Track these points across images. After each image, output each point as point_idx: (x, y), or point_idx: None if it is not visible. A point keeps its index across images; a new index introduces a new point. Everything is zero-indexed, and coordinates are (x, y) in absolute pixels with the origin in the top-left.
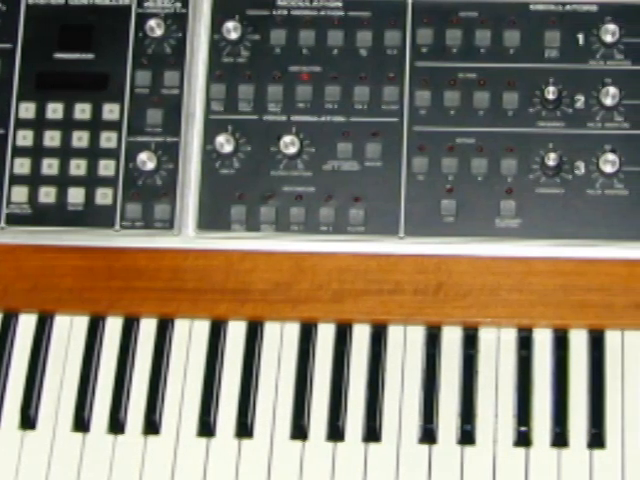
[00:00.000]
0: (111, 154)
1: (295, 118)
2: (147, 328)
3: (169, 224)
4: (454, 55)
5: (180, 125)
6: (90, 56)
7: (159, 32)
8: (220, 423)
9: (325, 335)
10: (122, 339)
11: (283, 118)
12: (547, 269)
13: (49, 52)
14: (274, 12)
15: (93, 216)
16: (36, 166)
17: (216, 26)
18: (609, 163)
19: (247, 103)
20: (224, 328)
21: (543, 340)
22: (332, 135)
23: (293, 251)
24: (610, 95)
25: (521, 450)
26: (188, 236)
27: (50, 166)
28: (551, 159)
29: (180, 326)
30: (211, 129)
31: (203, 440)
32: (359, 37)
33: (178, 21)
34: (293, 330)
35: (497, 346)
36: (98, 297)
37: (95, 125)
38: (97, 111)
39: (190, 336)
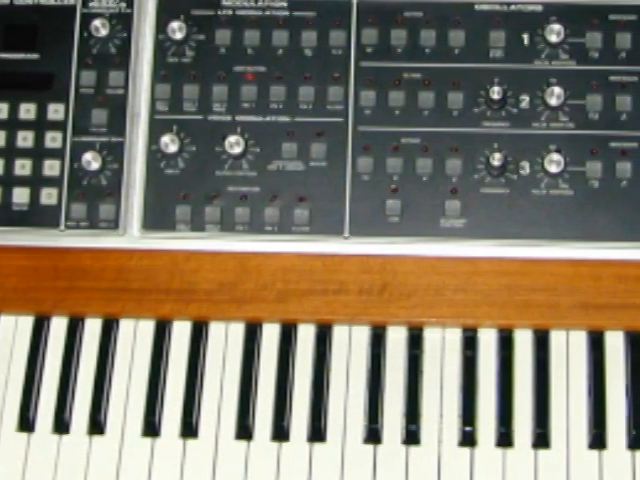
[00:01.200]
0: (56, 154)
1: (240, 118)
2: (92, 328)
3: (114, 224)
4: (399, 55)
5: (125, 125)
6: (35, 56)
7: (104, 32)
8: (165, 423)
9: (270, 335)
10: (67, 339)
11: (228, 118)
12: (492, 269)
13: None
14: (219, 12)
15: (38, 216)
16: None
17: (161, 26)
18: (554, 163)
19: (192, 103)
20: (169, 328)
21: (488, 340)
22: (277, 135)
23: (238, 251)
24: (555, 95)
25: (466, 450)
26: (133, 236)
27: None
28: (496, 159)
29: (125, 326)
30: (156, 129)
31: (148, 440)
32: (304, 37)
33: (123, 21)
34: (238, 330)
35: (442, 346)
36: (43, 297)
37: (40, 125)
38: (42, 111)
39: (135, 336)
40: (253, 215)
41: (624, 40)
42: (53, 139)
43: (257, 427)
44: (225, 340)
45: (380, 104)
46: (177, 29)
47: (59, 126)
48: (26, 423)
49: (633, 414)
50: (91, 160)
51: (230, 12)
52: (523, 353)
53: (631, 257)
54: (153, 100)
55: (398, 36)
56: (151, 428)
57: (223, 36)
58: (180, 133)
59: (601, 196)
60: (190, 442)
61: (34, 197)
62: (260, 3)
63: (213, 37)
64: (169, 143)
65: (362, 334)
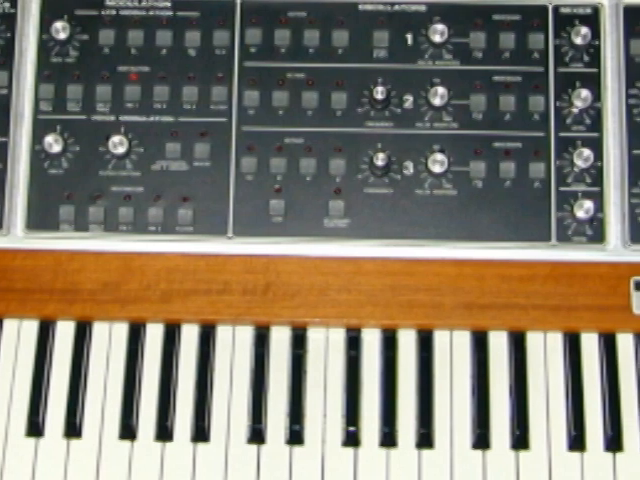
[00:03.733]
0: None
1: (124, 118)
2: None
3: None
4: (283, 55)
5: (9, 125)
6: None
7: None
8: (49, 423)
9: (154, 335)
10: None
11: (112, 118)
12: (376, 269)
13: None
14: (102, 12)
15: None
16: None
17: (45, 26)
18: (437, 163)
19: (76, 103)
20: (53, 328)
21: (372, 340)
22: (161, 135)
23: (122, 251)
24: (439, 95)
25: (350, 450)
26: (16, 236)
27: None
28: (379, 159)
29: (9, 326)
30: (39, 129)
31: (32, 440)
32: (188, 37)
33: (7, 21)
34: (122, 330)
35: (325, 346)
36: None
37: None
38: None
39: (19, 336)
40: (137, 215)
41: (508, 40)
42: None
43: (141, 427)
44: (109, 340)
45: (264, 104)
46: (61, 29)
47: None
48: None
49: (517, 414)
50: None
51: (114, 12)
52: (407, 353)
53: (514, 257)
54: (37, 100)
55: (282, 36)
56: (35, 428)
57: (107, 36)
58: (64, 133)
59: (485, 196)
60: (74, 442)
61: None
62: (144, 3)
63: (97, 37)
64: (53, 143)
65: (246, 334)
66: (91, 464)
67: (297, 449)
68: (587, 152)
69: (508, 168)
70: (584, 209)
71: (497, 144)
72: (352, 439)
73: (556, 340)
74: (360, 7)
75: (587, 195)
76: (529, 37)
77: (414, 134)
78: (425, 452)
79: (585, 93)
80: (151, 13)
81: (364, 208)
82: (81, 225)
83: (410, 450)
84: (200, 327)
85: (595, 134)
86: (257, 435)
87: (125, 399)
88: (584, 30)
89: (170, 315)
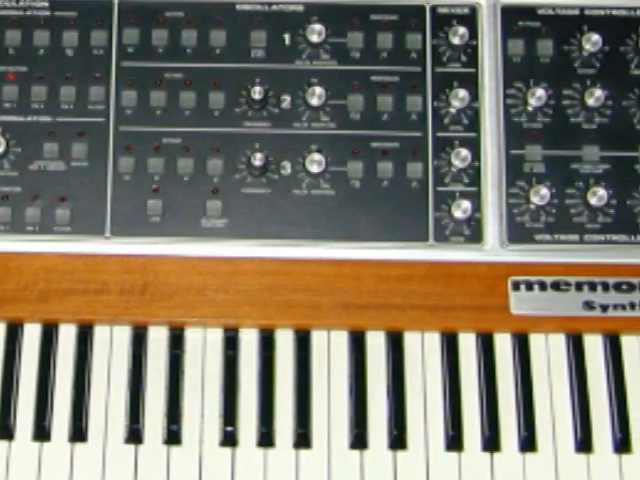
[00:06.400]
0: None
1: (1, 118)
2: None
3: None
4: (160, 55)
5: None
6: None
7: None
8: None
9: (31, 335)
10: None
11: None
12: (253, 269)
13: None
14: None
15: None
16: None
17: None
18: (315, 163)
19: None
20: None
21: (249, 340)
22: (38, 135)
23: None
24: (316, 95)
25: (227, 450)
26: None
27: None
28: (257, 159)
29: None
30: None
31: None
32: (65, 37)
33: None
34: None
35: (203, 346)
36: None
37: None
38: None
39: None
40: (14, 215)
41: (385, 40)
42: None
43: (18, 427)
44: None
45: (141, 104)
46: None
47: None
48: None
49: (394, 414)
50: None
51: None
52: (284, 353)
53: (392, 257)
54: None
55: (159, 36)
56: None
57: None
58: None
59: (362, 196)
60: None
61: None
62: (21, 3)
63: None
64: None
65: (123, 334)
66: None
67: (175, 449)
68: (465, 152)
69: (386, 168)
70: (462, 209)
71: (375, 144)
72: (230, 439)
73: (434, 340)
74: (238, 7)
75: (465, 195)
76: (407, 37)
77: (292, 134)
78: (303, 452)
79: (463, 93)
80: (29, 13)
81: (242, 208)
82: None
83: (288, 450)
84: (78, 327)
85: (473, 134)
86: (135, 435)
87: (2, 399)
88: (462, 30)
89: (48, 315)
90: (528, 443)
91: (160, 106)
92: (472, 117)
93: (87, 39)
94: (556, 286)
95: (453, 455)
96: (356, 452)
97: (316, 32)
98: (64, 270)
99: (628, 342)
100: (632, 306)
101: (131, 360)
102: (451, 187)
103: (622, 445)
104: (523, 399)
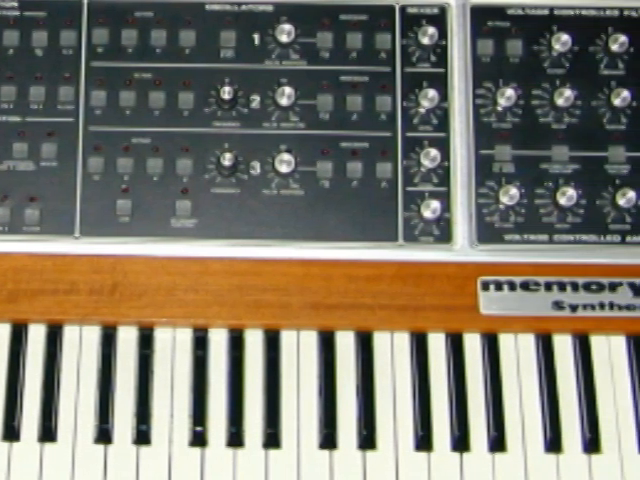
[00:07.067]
0: None
1: None
2: None
3: None
4: (130, 55)
5: None
6: None
7: None
8: None
9: (0, 335)
10: None
11: None
12: (223, 269)
13: None
14: None
15: None
16: None
17: None
18: (284, 163)
19: None
20: None
21: (219, 340)
22: (8, 135)
23: None
24: (286, 95)
25: (197, 450)
26: None
27: None
28: (226, 159)
29: None
30: None
31: None
32: (35, 37)
33: None
34: None
35: (173, 346)
36: None
37: None
38: None
39: None
40: None
41: (355, 40)
42: None
43: None
44: None
45: (111, 104)
46: None
47: None
48: None
49: (364, 414)
50: None
51: None
52: (254, 353)
53: (361, 257)
54: None
55: (129, 36)
56: None
57: None
58: None
59: (332, 196)
60: None
61: None
62: None
63: None
64: None
65: (93, 334)
66: None
67: (144, 449)
68: (434, 152)
69: (355, 168)
70: (431, 209)
71: (344, 144)
72: (199, 439)
73: (403, 340)
74: (207, 7)
75: (434, 195)
76: (376, 37)
77: (261, 134)
78: (272, 452)
79: (432, 93)
80: None
81: (211, 208)
82: None
83: (257, 450)
84: (47, 327)
85: (442, 134)
86: (104, 435)
87: None
88: (431, 30)
89: (17, 315)
90: (497, 443)
91: (129, 106)
92: (441, 117)
93: (56, 39)
94: (525, 286)
95: (422, 455)
96: (325, 452)
97: (285, 32)
98: (33, 270)
99: (597, 342)
100: (601, 306)
101: (100, 360)
102: (420, 187)
103: (591, 445)
104: (493, 399)
